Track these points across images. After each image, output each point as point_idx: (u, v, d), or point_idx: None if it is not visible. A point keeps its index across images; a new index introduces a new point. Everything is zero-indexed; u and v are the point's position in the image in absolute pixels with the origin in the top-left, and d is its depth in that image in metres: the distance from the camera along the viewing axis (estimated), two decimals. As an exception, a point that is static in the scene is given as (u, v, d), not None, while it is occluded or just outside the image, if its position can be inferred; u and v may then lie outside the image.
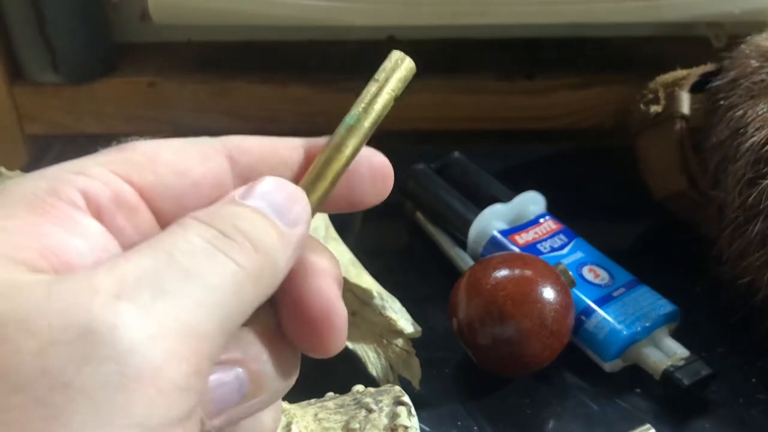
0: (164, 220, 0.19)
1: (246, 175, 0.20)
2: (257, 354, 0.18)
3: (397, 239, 0.57)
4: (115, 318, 0.14)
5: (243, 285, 0.16)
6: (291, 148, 0.21)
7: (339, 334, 0.20)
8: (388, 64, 0.21)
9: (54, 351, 0.13)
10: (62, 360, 0.13)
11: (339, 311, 0.20)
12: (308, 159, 0.21)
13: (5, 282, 0.14)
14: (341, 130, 0.21)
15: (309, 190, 0.20)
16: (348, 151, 0.20)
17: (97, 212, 0.17)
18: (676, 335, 0.43)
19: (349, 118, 0.21)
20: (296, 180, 0.20)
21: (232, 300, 0.16)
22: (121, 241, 0.18)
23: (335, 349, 0.20)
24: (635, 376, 0.42)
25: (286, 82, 0.67)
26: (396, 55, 0.22)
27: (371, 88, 0.21)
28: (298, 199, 0.19)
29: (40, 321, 0.13)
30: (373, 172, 0.21)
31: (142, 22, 0.71)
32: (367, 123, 0.21)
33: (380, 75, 0.21)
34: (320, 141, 0.21)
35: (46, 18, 0.62)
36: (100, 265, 0.15)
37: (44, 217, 0.16)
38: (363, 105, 0.21)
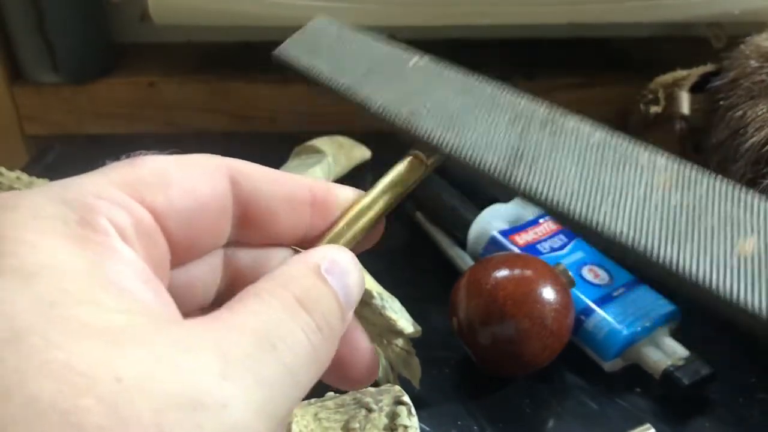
0: (174, 240, 0.19)
1: (244, 200, 0.21)
2: None
3: (397, 239, 0.57)
4: (224, 398, 0.15)
5: (313, 374, 0.18)
6: (297, 184, 0.22)
7: (370, 374, 0.23)
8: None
9: (169, 413, 0.14)
10: (177, 423, 0.14)
11: (370, 358, 0.22)
12: (316, 200, 0.22)
13: (105, 329, 0.15)
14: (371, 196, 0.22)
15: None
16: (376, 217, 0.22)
17: (124, 240, 0.18)
18: (676, 335, 0.43)
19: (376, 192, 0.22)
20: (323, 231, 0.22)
21: (302, 390, 0.18)
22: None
23: (367, 382, 0.23)
24: (635, 375, 0.42)
25: (286, 82, 0.67)
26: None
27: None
28: (361, 285, 0.21)
29: (153, 383, 0.14)
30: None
31: (142, 22, 0.71)
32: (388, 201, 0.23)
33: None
34: (322, 184, 0.22)
35: (46, 18, 0.62)
36: (197, 328, 0.16)
37: (91, 252, 0.16)
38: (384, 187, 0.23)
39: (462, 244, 0.52)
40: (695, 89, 0.54)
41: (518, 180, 0.19)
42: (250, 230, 0.22)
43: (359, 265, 0.21)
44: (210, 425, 0.15)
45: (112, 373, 0.14)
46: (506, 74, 0.67)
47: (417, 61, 0.20)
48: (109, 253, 0.17)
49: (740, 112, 0.45)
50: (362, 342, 0.22)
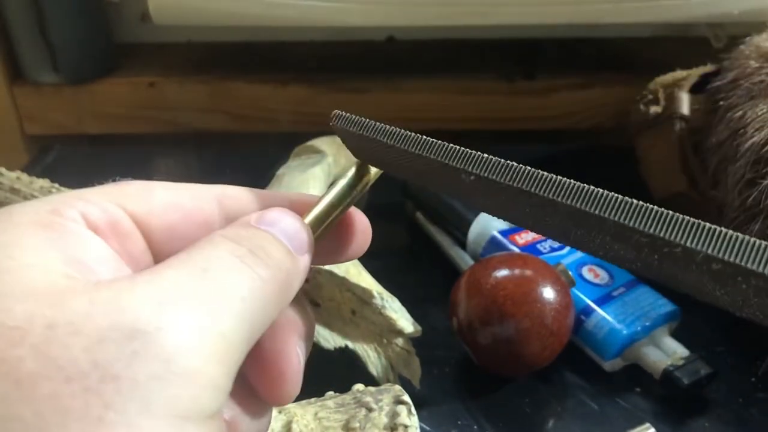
0: (157, 247, 0.20)
1: (233, 218, 0.21)
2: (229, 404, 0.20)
3: (397, 239, 0.57)
4: (160, 322, 0.15)
5: (267, 299, 0.18)
6: (278, 200, 0.22)
7: (289, 386, 0.21)
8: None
9: (103, 347, 0.14)
10: (112, 355, 0.14)
11: (293, 362, 0.21)
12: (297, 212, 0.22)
13: (46, 289, 0.15)
14: (336, 188, 0.23)
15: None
16: (342, 207, 0.23)
17: (95, 232, 0.19)
18: (676, 335, 0.43)
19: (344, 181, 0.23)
20: None
21: (257, 312, 0.18)
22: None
23: (285, 399, 0.21)
24: (635, 375, 0.42)
25: (286, 82, 0.67)
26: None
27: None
28: (304, 231, 0.21)
29: (86, 322, 0.15)
30: (360, 230, 0.24)
31: (142, 22, 0.72)
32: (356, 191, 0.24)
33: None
34: (305, 197, 0.23)
35: (46, 18, 0.62)
36: (136, 276, 0.17)
37: (53, 232, 0.17)
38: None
39: (462, 244, 0.52)
40: (695, 89, 0.54)
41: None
42: None
43: (296, 216, 0.21)
44: (146, 350, 0.15)
45: (45, 321, 0.15)
46: (506, 74, 0.67)
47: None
48: (69, 233, 0.17)
49: (740, 113, 0.45)
50: (291, 346, 0.21)
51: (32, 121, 0.68)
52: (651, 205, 0.16)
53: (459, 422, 0.40)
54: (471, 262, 0.50)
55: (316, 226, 0.22)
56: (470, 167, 0.19)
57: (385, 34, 0.73)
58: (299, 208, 0.22)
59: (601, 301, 0.43)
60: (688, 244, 0.16)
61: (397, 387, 0.34)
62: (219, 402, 0.16)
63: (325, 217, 0.22)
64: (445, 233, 0.53)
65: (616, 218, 0.17)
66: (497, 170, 0.19)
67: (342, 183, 0.23)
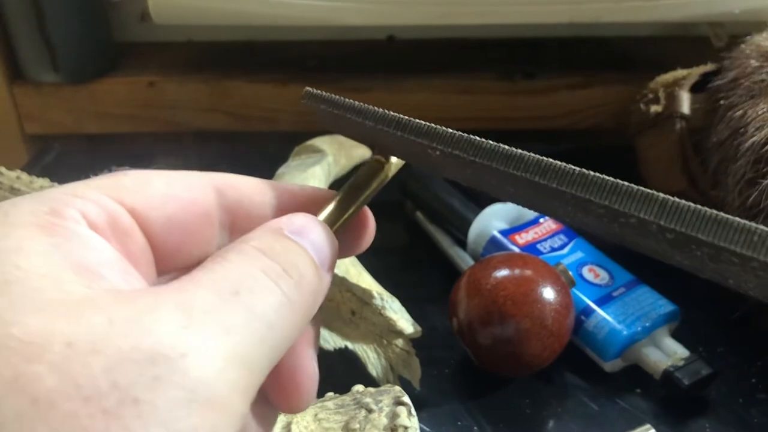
0: (155, 239, 0.19)
1: (232, 208, 0.21)
2: None
3: (397, 239, 0.57)
4: (185, 348, 0.15)
5: (294, 324, 0.18)
6: (283, 191, 0.22)
7: (306, 397, 0.20)
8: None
9: (124, 369, 0.14)
10: (132, 378, 0.14)
11: (310, 374, 0.20)
12: (301, 206, 0.22)
13: (59, 301, 0.15)
14: (353, 185, 0.23)
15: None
16: (359, 204, 0.23)
17: (95, 230, 0.18)
18: (676, 335, 0.43)
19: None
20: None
21: (283, 338, 0.17)
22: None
23: (301, 407, 0.20)
24: (635, 376, 0.42)
25: (286, 82, 0.67)
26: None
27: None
28: (330, 245, 0.20)
29: (106, 341, 0.14)
30: (370, 225, 0.23)
31: (142, 22, 0.72)
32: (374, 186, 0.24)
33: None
34: (309, 191, 0.23)
35: (46, 18, 0.62)
36: (159, 293, 0.16)
37: (56, 236, 0.16)
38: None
39: (462, 244, 0.52)
40: (696, 89, 0.53)
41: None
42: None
43: (326, 227, 0.20)
44: (169, 376, 0.14)
45: (63, 338, 0.14)
46: (506, 74, 0.67)
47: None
48: (73, 237, 0.17)
49: (740, 112, 0.45)
50: (308, 359, 0.21)
51: (32, 120, 0.68)
52: (607, 177, 0.17)
53: (459, 423, 0.40)
54: (471, 262, 0.50)
55: (331, 225, 0.22)
56: (435, 143, 0.20)
57: (385, 34, 0.73)
58: (303, 201, 0.22)
59: (602, 302, 0.43)
60: (641, 215, 0.16)
61: (397, 388, 0.34)
62: (237, 429, 0.16)
63: (340, 216, 0.22)
64: (445, 233, 0.53)
65: (573, 191, 0.17)
66: (460, 145, 0.19)
67: (358, 178, 0.23)
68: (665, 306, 0.43)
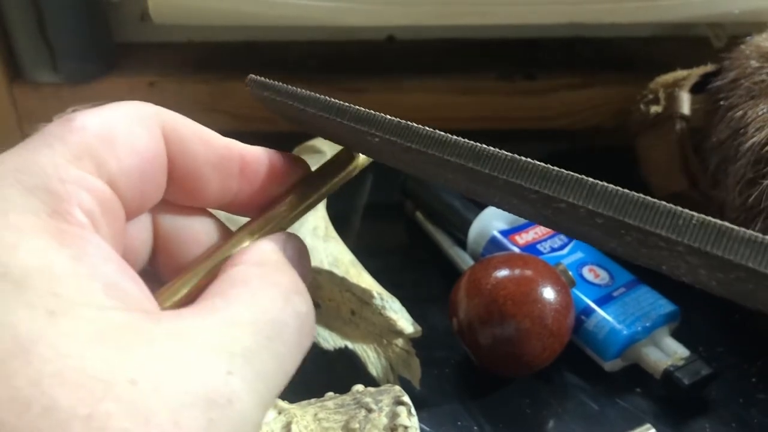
0: (126, 204, 0.20)
1: (175, 157, 0.21)
2: None
3: (397, 239, 0.57)
4: (231, 395, 0.16)
5: (299, 363, 0.19)
6: (228, 149, 0.22)
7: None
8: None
9: (185, 410, 0.15)
10: (192, 420, 0.15)
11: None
12: (247, 166, 0.23)
13: (104, 332, 0.15)
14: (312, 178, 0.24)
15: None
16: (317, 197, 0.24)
17: (95, 227, 0.18)
18: (676, 335, 0.43)
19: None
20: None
21: (289, 377, 0.19)
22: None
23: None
24: (635, 375, 0.42)
25: (286, 82, 0.67)
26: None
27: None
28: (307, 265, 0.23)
29: (163, 380, 0.15)
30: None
31: (142, 22, 0.71)
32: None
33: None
34: (253, 150, 0.23)
35: (46, 18, 0.62)
36: (201, 329, 0.17)
37: (73, 248, 0.17)
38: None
39: (462, 244, 0.52)
40: (696, 89, 0.53)
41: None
42: (177, 190, 0.22)
43: (305, 248, 0.23)
44: (221, 421, 0.15)
45: (125, 375, 0.14)
46: (506, 74, 0.67)
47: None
48: (87, 247, 0.17)
49: (740, 112, 0.45)
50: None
51: (32, 120, 0.68)
52: (538, 163, 0.17)
53: (459, 423, 0.40)
54: (471, 262, 0.50)
55: (288, 214, 0.23)
56: (374, 129, 0.20)
57: (385, 34, 0.73)
58: (249, 163, 0.22)
59: (602, 302, 0.43)
60: (570, 200, 0.16)
61: (397, 388, 0.34)
62: None
63: (298, 206, 0.23)
64: (444, 233, 0.53)
65: (506, 176, 0.17)
66: (398, 132, 0.19)
67: (323, 168, 0.24)
68: (665, 306, 0.43)
